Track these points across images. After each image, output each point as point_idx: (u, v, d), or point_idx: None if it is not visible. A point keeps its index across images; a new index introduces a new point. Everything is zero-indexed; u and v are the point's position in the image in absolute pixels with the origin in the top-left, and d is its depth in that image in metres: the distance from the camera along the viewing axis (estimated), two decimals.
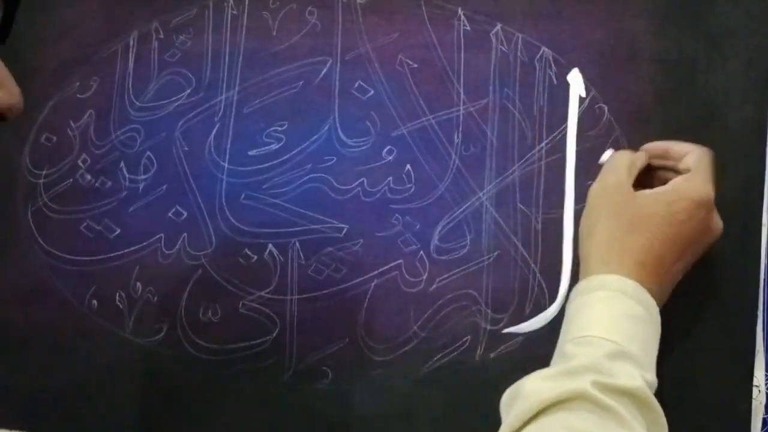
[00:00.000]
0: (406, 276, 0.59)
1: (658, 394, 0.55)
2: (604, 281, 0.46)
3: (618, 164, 0.51)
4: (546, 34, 0.60)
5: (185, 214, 0.61)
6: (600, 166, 0.55)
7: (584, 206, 0.54)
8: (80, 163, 0.63)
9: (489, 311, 0.58)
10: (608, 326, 0.44)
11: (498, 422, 0.45)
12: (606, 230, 0.48)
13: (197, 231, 0.61)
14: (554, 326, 0.56)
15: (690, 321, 0.56)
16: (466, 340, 0.58)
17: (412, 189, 0.60)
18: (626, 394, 0.41)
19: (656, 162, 0.54)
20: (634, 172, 0.51)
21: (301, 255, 0.60)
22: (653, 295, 0.46)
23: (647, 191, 0.49)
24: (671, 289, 0.49)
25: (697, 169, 0.49)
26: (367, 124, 0.61)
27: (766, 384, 0.55)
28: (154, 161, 0.62)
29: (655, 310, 0.46)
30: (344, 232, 0.60)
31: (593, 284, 0.47)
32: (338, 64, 0.62)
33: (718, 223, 0.49)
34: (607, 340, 0.43)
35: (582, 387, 0.40)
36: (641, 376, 0.42)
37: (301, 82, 0.62)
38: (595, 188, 0.52)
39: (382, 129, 0.61)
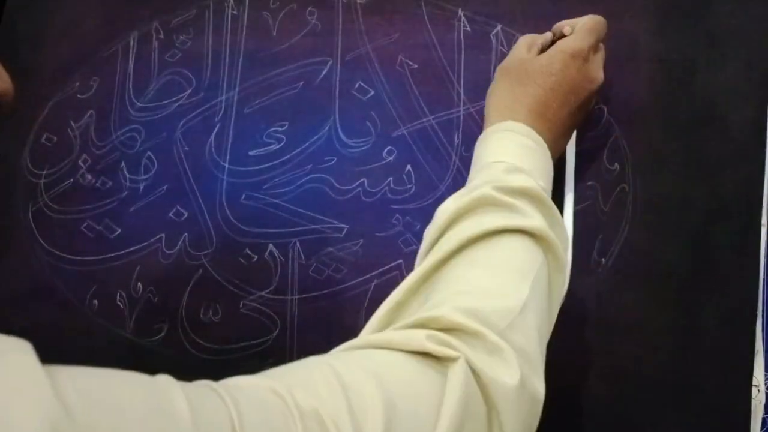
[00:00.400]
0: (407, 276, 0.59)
1: (658, 391, 0.55)
2: (499, 127, 0.52)
3: (519, 45, 0.56)
4: None
5: (186, 214, 0.61)
6: None
7: (584, 206, 0.57)
8: (81, 163, 0.63)
9: None
10: (503, 153, 0.50)
11: None
12: (501, 90, 0.54)
13: (198, 231, 0.61)
14: (554, 326, 0.56)
15: (690, 321, 0.56)
16: None
17: (413, 189, 0.60)
18: (522, 193, 0.46)
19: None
20: (535, 50, 0.55)
21: (302, 255, 0.60)
22: (544, 139, 0.51)
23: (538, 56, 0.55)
24: (564, 137, 0.55)
25: (579, 29, 0.54)
26: (367, 125, 0.61)
27: (766, 384, 0.56)
28: (155, 161, 0.62)
29: (545, 146, 0.51)
30: (344, 232, 0.60)
31: (489, 131, 0.52)
32: (338, 64, 0.62)
33: (597, 72, 0.54)
34: (502, 162, 0.49)
35: (483, 192, 0.46)
36: (534, 181, 0.48)
37: (301, 83, 0.62)
38: (499, 66, 0.56)
39: (382, 129, 0.61)
